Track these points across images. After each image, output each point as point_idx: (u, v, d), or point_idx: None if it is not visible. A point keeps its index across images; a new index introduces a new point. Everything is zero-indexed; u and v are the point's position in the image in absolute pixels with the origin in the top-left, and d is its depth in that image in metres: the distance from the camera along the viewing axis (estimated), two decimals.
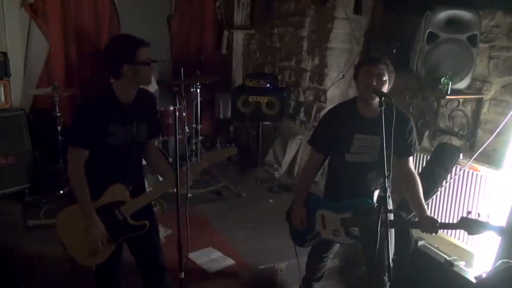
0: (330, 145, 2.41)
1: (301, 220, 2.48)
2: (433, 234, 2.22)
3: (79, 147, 2.07)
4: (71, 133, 2.14)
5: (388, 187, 2.02)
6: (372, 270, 2.38)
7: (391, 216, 2.18)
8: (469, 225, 2.10)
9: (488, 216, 2.17)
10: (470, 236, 2.91)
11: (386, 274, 2.26)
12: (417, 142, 2.38)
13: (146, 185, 2.44)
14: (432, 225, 2.18)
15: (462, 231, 2.22)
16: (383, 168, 1.96)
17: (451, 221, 3.04)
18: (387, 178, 1.98)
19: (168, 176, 2.25)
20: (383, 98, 2.01)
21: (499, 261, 2.36)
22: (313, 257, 2.72)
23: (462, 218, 2.14)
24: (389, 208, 2.13)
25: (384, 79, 2.20)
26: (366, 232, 2.32)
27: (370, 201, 2.31)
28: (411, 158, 2.38)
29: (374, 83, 2.17)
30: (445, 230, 3.08)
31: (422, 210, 2.26)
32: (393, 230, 2.31)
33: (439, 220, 2.21)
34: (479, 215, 2.27)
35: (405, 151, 2.34)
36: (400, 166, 2.35)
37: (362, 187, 2.36)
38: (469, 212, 2.54)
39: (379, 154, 2.20)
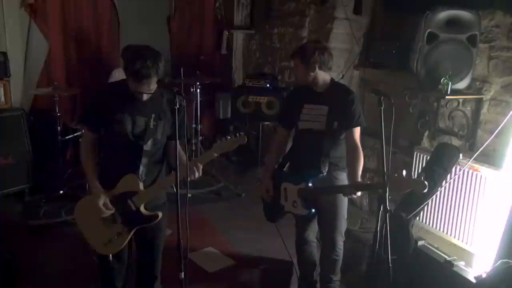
0: (290, 118, 2.68)
1: (266, 190, 2.67)
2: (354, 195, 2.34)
3: None
4: None
5: (387, 186, 2.03)
6: (323, 242, 2.66)
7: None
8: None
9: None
10: (470, 236, 2.92)
11: (336, 249, 2.60)
12: (361, 116, 2.51)
13: None
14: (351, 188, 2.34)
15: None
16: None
17: (448, 225, 3.06)
18: (386, 177, 2.00)
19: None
20: (382, 98, 2.03)
21: (499, 261, 2.35)
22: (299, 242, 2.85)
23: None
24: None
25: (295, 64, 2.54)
26: (321, 204, 2.56)
27: (321, 171, 2.51)
28: (355, 132, 2.50)
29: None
30: (445, 230, 3.09)
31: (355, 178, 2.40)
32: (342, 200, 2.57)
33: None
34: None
35: (348, 122, 2.49)
36: (346, 139, 2.54)
37: (313, 153, 2.54)
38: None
39: (326, 123, 2.49)
